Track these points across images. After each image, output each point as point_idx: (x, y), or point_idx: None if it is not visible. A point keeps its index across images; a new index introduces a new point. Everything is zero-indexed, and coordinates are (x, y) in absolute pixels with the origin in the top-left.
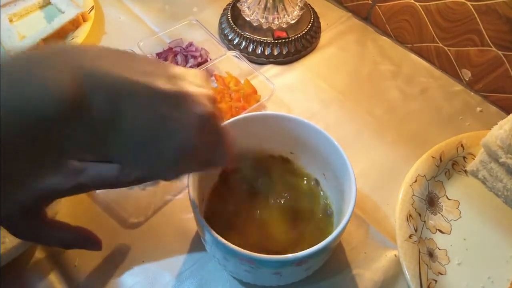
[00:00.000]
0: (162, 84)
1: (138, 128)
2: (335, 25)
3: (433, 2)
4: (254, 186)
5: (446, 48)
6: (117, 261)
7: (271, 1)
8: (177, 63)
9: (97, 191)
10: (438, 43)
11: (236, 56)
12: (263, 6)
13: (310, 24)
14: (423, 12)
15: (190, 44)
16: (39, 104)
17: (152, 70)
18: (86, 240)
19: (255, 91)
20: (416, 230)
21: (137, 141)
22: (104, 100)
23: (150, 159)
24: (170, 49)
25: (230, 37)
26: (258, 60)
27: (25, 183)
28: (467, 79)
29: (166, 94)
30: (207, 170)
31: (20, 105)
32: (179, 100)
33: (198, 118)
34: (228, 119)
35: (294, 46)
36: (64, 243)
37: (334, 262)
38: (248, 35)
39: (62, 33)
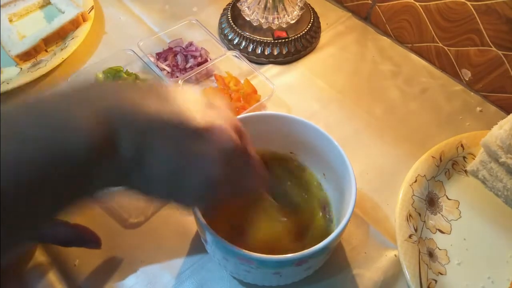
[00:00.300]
0: (189, 117)
1: (163, 163)
2: (335, 25)
3: (433, 2)
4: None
5: (446, 48)
6: (117, 261)
7: (271, 1)
8: (177, 63)
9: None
10: (438, 43)
11: (236, 56)
12: (263, 6)
13: (310, 24)
14: (423, 12)
15: (190, 44)
16: (67, 148)
17: (177, 101)
18: (85, 238)
19: (255, 91)
20: (416, 230)
21: (162, 175)
22: (131, 138)
23: (174, 192)
24: (170, 49)
25: (230, 37)
26: (258, 60)
27: (46, 217)
28: (467, 79)
29: (193, 129)
30: (239, 197)
31: (47, 151)
32: (204, 133)
33: (222, 152)
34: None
35: (294, 46)
36: (62, 241)
37: (334, 262)
38: (248, 35)
39: (62, 33)
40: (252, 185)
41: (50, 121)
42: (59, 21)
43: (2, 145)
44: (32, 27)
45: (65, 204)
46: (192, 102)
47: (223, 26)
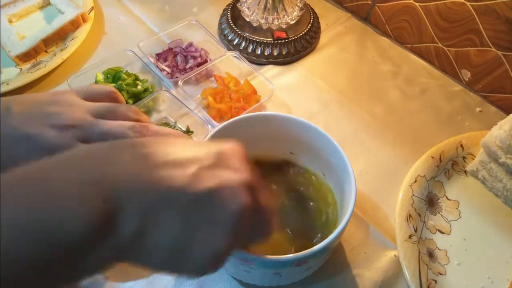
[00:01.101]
0: (196, 185)
1: (168, 238)
2: (335, 25)
3: (433, 3)
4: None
5: (445, 48)
6: None
7: (270, 2)
8: (176, 64)
9: None
10: (438, 43)
11: (236, 57)
12: (263, 6)
13: (309, 25)
14: (422, 13)
15: (190, 45)
16: (63, 228)
17: (184, 161)
18: None
19: (255, 92)
20: (416, 230)
21: (164, 249)
22: (133, 215)
23: (176, 265)
24: (170, 49)
25: (230, 38)
26: (258, 60)
27: None
28: (466, 79)
29: (199, 197)
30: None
31: (42, 231)
32: (212, 199)
33: (232, 218)
34: (228, 119)
35: (293, 46)
36: None
37: (334, 262)
38: (248, 35)
39: (62, 33)
40: (265, 233)
41: (43, 198)
42: (59, 22)
43: None
44: (32, 28)
45: (60, 280)
46: (199, 160)
47: (223, 26)
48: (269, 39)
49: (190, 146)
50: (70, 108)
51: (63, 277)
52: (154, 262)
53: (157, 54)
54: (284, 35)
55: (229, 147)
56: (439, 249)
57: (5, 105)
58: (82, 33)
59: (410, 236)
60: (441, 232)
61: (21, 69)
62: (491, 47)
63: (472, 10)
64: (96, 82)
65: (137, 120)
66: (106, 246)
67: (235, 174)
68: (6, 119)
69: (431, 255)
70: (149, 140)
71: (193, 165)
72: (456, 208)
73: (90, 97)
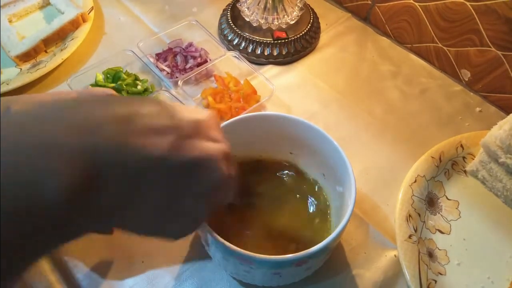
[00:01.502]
0: (179, 152)
1: (151, 203)
2: (335, 25)
3: (433, 3)
4: (254, 187)
5: (445, 48)
6: (117, 261)
7: (270, 2)
8: (176, 64)
9: None
10: (438, 43)
11: (236, 57)
12: (262, 6)
13: (309, 25)
14: (422, 13)
15: (190, 45)
16: (42, 191)
17: (164, 129)
18: None
19: (254, 92)
20: (415, 230)
21: (148, 214)
22: (115, 182)
23: (160, 229)
24: (170, 49)
25: (229, 38)
26: (258, 60)
27: (32, 259)
28: (466, 79)
29: (181, 167)
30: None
31: (20, 193)
32: (194, 167)
33: (213, 186)
34: (228, 119)
35: (293, 46)
36: None
37: (334, 262)
38: (247, 35)
39: (61, 33)
40: (230, 199)
41: (22, 161)
42: (58, 22)
43: None
44: (31, 28)
45: (46, 248)
46: (178, 128)
47: (222, 26)
48: (269, 39)
49: (169, 112)
50: None
51: (46, 241)
52: (136, 227)
53: (157, 54)
54: (284, 35)
55: (206, 116)
56: (439, 249)
57: (5, 105)
58: (82, 33)
59: (410, 236)
60: (441, 232)
61: (21, 69)
62: (491, 47)
63: (472, 10)
64: (96, 82)
65: None
66: (90, 209)
67: (215, 145)
68: (5, 118)
69: (431, 255)
70: (130, 99)
71: (172, 133)
72: (456, 208)
73: None
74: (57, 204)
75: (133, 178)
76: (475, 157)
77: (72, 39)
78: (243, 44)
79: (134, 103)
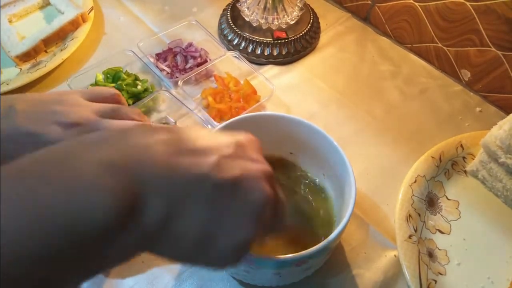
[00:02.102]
0: (221, 172)
1: (192, 228)
2: (335, 25)
3: (433, 3)
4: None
5: (445, 48)
6: None
7: (270, 2)
8: (176, 64)
9: None
10: (438, 43)
11: (236, 57)
12: (262, 6)
13: (309, 25)
14: (422, 13)
15: (190, 45)
16: (86, 215)
17: (206, 149)
18: None
19: (254, 92)
20: (415, 230)
21: (190, 240)
22: (159, 202)
23: (201, 256)
24: (170, 49)
25: (229, 38)
26: (258, 60)
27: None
28: (466, 79)
29: (224, 186)
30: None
31: (56, 222)
32: (236, 188)
33: (258, 208)
34: (228, 119)
35: (293, 46)
36: None
37: (334, 262)
38: (247, 35)
39: (61, 33)
40: (281, 225)
41: (62, 183)
42: (58, 22)
43: (2, 213)
44: (31, 28)
45: (77, 277)
46: (220, 149)
47: (222, 26)
48: (269, 39)
49: (209, 135)
50: (75, 107)
51: (83, 270)
52: (177, 252)
53: (157, 54)
54: (284, 35)
55: (246, 138)
56: (439, 249)
57: (7, 103)
58: (82, 33)
59: (410, 236)
60: (441, 232)
61: (21, 69)
62: (491, 47)
63: (472, 10)
64: (96, 82)
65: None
66: (129, 236)
67: (257, 165)
68: (9, 116)
69: (431, 255)
70: (169, 126)
71: (214, 153)
72: (456, 208)
73: (94, 98)
74: (100, 227)
75: (177, 198)
76: (475, 157)
77: (72, 39)
78: (243, 44)
79: (174, 129)
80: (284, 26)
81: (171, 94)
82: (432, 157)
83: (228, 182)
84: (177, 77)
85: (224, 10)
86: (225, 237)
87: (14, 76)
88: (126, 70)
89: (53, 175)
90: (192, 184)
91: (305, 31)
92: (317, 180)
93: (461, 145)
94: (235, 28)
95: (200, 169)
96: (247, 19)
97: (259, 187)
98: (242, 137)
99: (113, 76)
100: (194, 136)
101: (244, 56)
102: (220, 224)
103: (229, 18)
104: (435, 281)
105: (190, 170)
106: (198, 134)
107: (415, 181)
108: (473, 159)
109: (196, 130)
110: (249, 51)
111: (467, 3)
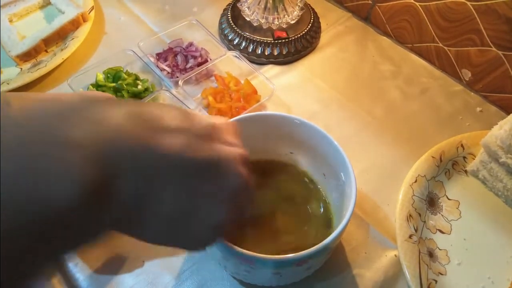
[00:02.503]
0: (195, 151)
1: (167, 206)
2: (335, 25)
3: (433, 2)
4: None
5: (446, 48)
6: (117, 261)
7: (271, 1)
8: (177, 64)
9: None
10: (438, 43)
11: (236, 56)
12: (263, 6)
13: (310, 24)
14: (423, 12)
15: (190, 44)
16: (54, 194)
17: (180, 129)
18: None
19: (255, 91)
20: (416, 230)
21: (165, 220)
22: (132, 182)
23: (175, 237)
24: (170, 49)
25: (230, 37)
26: (258, 60)
27: (38, 268)
28: (467, 79)
29: (200, 165)
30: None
31: (31, 197)
32: (212, 169)
33: (233, 191)
34: (228, 119)
35: (294, 46)
36: None
37: (334, 262)
38: (248, 35)
39: (62, 33)
40: (249, 208)
41: (23, 165)
42: (59, 22)
43: None
44: (32, 28)
45: (64, 249)
46: (192, 130)
47: (223, 26)
48: (270, 39)
49: (182, 115)
50: None
51: (55, 249)
52: (153, 232)
53: (157, 54)
54: (284, 34)
55: (222, 121)
56: (439, 249)
57: (4, 100)
58: (82, 33)
59: (410, 236)
60: (442, 232)
61: (21, 68)
62: (491, 47)
63: (473, 10)
64: (96, 82)
65: None
66: (104, 212)
67: (233, 148)
68: (5, 113)
69: (431, 255)
70: (136, 101)
71: (186, 133)
72: (457, 208)
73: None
74: (70, 205)
75: (150, 177)
76: (475, 157)
77: (73, 38)
78: (243, 44)
79: (149, 105)
80: (284, 26)
81: (172, 93)
82: (433, 157)
83: (202, 163)
84: (177, 77)
85: (224, 10)
86: (200, 218)
87: (15, 75)
88: (127, 70)
89: (8, 163)
90: (164, 162)
91: (306, 30)
92: (317, 180)
93: (462, 145)
94: (235, 28)
95: (171, 148)
96: (248, 19)
97: (236, 170)
98: (218, 120)
99: (114, 76)
100: (167, 115)
101: (244, 56)
102: (195, 205)
103: (229, 18)
104: (436, 281)
105: (160, 148)
106: (171, 113)
107: (416, 181)
108: (474, 159)
109: (169, 109)
110: (250, 50)
111: (468, 3)
